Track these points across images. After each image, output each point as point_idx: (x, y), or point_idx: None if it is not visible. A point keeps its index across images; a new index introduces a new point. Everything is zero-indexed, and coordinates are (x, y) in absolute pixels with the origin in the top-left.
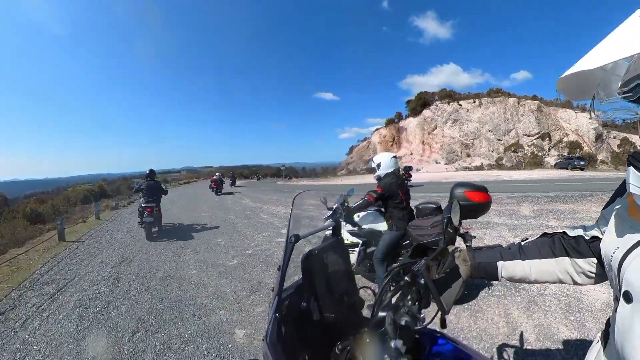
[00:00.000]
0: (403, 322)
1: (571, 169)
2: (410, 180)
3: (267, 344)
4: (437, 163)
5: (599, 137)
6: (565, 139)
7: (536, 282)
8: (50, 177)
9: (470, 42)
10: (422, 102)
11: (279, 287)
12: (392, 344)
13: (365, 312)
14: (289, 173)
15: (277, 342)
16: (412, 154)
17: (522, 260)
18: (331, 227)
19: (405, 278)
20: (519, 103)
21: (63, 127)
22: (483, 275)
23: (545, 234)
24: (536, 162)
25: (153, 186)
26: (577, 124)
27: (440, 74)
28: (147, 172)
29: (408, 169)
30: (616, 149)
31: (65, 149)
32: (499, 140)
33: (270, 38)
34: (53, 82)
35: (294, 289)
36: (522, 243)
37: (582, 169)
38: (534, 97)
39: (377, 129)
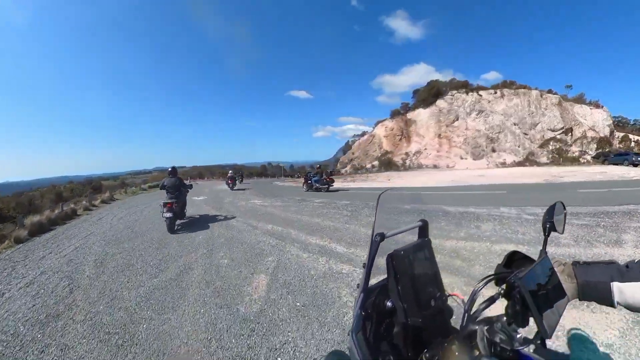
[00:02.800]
0: (497, 339)
1: (628, 166)
2: (332, 185)
3: (353, 338)
4: (462, 159)
5: (611, 134)
6: (591, 134)
7: None
8: (12, 180)
9: (441, 43)
10: (435, 92)
11: (365, 283)
12: None
13: (454, 322)
14: (294, 172)
15: (363, 337)
16: (426, 149)
17: None
18: (418, 228)
19: (500, 290)
20: (541, 96)
21: (26, 126)
22: (593, 297)
23: None
24: (573, 158)
25: (174, 183)
26: (593, 120)
27: (412, 74)
28: (169, 169)
29: (329, 173)
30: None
31: (29, 150)
32: (525, 134)
33: (241, 34)
34: (6, 80)
35: (380, 288)
36: None
37: (635, 165)
38: (550, 91)
39: (380, 122)
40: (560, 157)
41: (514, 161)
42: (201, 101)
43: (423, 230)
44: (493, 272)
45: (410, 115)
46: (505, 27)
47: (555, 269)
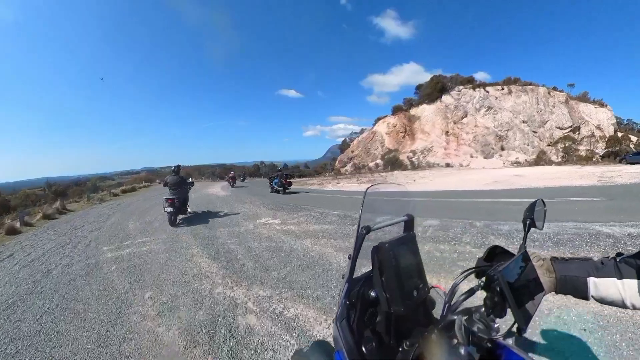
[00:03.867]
0: (475, 329)
1: None
2: (289, 188)
3: (337, 326)
4: (472, 157)
5: (615, 133)
6: (599, 133)
7: (633, 307)
8: None
9: (430, 43)
10: (440, 87)
11: (350, 274)
12: (462, 350)
13: (436, 313)
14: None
15: (347, 324)
16: (432, 147)
17: (618, 279)
18: (404, 222)
19: (480, 282)
20: (549, 93)
21: (6, 126)
22: (570, 291)
23: None
24: (587, 157)
25: (176, 180)
26: (598, 119)
27: (402, 73)
28: (173, 167)
29: (287, 176)
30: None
31: (11, 151)
32: (535, 132)
33: (229, 32)
34: None
35: (364, 279)
36: (618, 258)
37: None
38: (554, 89)
39: (381, 119)
40: (573, 156)
41: (526, 160)
42: (189, 100)
43: (408, 224)
44: (474, 266)
45: (413, 111)
46: (493, 28)
47: (534, 263)
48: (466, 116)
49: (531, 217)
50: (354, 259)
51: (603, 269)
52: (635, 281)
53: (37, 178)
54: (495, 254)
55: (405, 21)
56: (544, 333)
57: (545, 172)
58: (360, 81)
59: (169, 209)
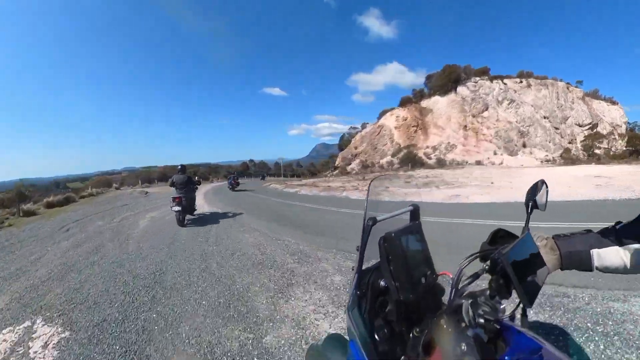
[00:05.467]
0: (481, 312)
1: None
2: (236, 187)
3: (350, 315)
4: (495, 154)
5: (631, 130)
6: (619, 131)
7: (636, 272)
8: None
9: (413, 43)
10: (455, 77)
11: (359, 265)
12: (470, 332)
13: (445, 299)
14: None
15: (358, 313)
16: (449, 142)
17: (619, 246)
18: (409, 212)
19: (484, 265)
20: (568, 89)
21: None
22: (574, 266)
23: None
24: (622, 155)
25: (183, 179)
26: (611, 117)
27: (385, 73)
28: (179, 167)
29: (236, 177)
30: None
31: None
32: (556, 129)
33: (212, 29)
34: None
35: (373, 269)
36: (618, 226)
37: None
38: (569, 85)
39: (387, 111)
40: (599, 155)
41: (553, 158)
42: (170, 99)
43: (414, 214)
44: (479, 250)
45: (425, 103)
46: (474, 29)
47: (537, 243)
48: (487, 109)
49: (533, 199)
50: (361, 250)
51: (604, 239)
52: (636, 245)
53: (9, 180)
54: (499, 237)
55: (389, 21)
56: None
57: (623, 172)
58: (344, 80)
59: (177, 208)
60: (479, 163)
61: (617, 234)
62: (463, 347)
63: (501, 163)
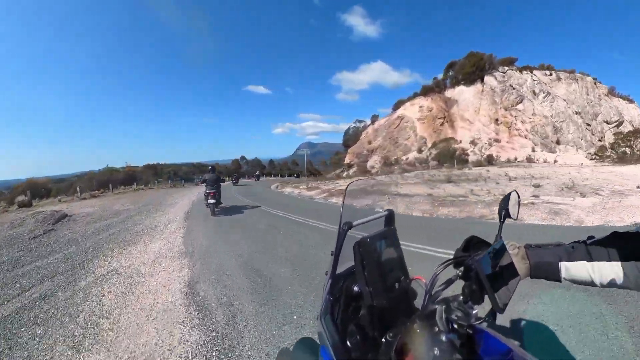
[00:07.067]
0: (454, 317)
1: None
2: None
3: (322, 321)
4: (534, 151)
5: None
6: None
7: (602, 286)
8: None
9: (397, 42)
10: (482, 66)
11: (332, 270)
12: (444, 337)
13: (417, 304)
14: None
15: (331, 320)
16: (480, 137)
17: (587, 261)
18: (384, 217)
19: (458, 272)
20: (595, 84)
21: None
22: (543, 275)
23: (615, 232)
24: None
25: (214, 178)
26: (631, 115)
27: (369, 72)
28: (210, 167)
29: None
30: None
31: None
32: (588, 125)
33: (193, 25)
34: None
35: (347, 274)
36: (588, 242)
37: None
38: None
39: (408, 100)
40: (633, 154)
41: (598, 156)
42: (153, 97)
43: (389, 219)
44: (452, 256)
45: (449, 93)
46: (458, 28)
47: (509, 252)
48: (521, 102)
49: (506, 208)
50: (336, 255)
51: (574, 253)
52: (603, 263)
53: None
54: (473, 244)
55: (373, 20)
56: (515, 318)
57: None
58: (329, 79)
59: (212, 201)
60: (530, 161)
61: (587, 249)
62: (436, 352)
63: (555, 161)
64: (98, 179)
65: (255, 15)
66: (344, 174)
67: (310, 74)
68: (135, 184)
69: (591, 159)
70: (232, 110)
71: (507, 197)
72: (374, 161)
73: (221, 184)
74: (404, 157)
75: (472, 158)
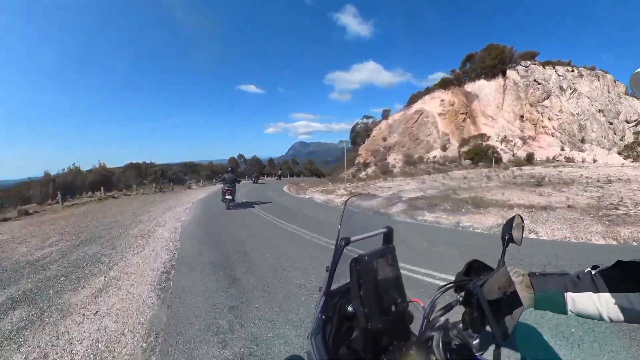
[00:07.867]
0: (453, 345)
1: None
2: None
3: (312, 341)
4: (563, 150)
5: None
6: None
7: (610, 320)
8: None
9: (389, 42)
10: (503, 59)
11: (327, 287)
12: None
13: (414, 327)
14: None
15: (322, 340)
16: (505, 135)
17: (594, 292)
18: (383, 234)
19: (458, 297)
20: (614, 82)
21: None
22: (548, 307)
23: (619, 262)
24: None
25: (233, 178)
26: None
27: (362, 71)
28: (229, 168)
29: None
30: None
31: None
32: (610, 124)
33: (185, 24)
34: None
35: (342, 292)
36: (594, 272)
37: None
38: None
39: (422, 94)
40: None
41: (621, 155)
42: (142, 95)
43: (388, 236)
44: (453, 280)
45: (469, 87)
46: (449, 28)
47: (513, 279)
48: (548, 98)
49: (509, 233)
50: (331, 271)
51: (579, 283)
52: (610, 294)
53: None
54: (474, 268)
55: (366, 19)
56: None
57: None
58: (321, 78)
59: (229, 197)
60: (568, 160)
61: (593, 279)
62: None
63: (595, 161)
64: (61, 182)
65: (247, 13)
66: (362, 174)
67: (303, 73)
68: (101, 189)
69: (625, 158)
70: (225, 110)
71: (510, 221)
72: (394, 159)
73: (236, 184)
74: (428, 155)
75: (504, 157)
